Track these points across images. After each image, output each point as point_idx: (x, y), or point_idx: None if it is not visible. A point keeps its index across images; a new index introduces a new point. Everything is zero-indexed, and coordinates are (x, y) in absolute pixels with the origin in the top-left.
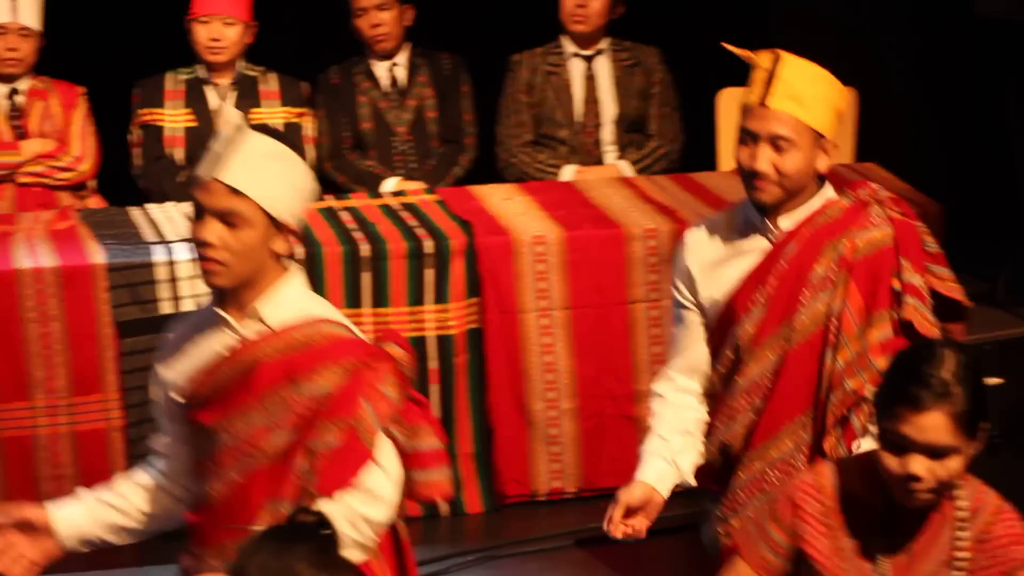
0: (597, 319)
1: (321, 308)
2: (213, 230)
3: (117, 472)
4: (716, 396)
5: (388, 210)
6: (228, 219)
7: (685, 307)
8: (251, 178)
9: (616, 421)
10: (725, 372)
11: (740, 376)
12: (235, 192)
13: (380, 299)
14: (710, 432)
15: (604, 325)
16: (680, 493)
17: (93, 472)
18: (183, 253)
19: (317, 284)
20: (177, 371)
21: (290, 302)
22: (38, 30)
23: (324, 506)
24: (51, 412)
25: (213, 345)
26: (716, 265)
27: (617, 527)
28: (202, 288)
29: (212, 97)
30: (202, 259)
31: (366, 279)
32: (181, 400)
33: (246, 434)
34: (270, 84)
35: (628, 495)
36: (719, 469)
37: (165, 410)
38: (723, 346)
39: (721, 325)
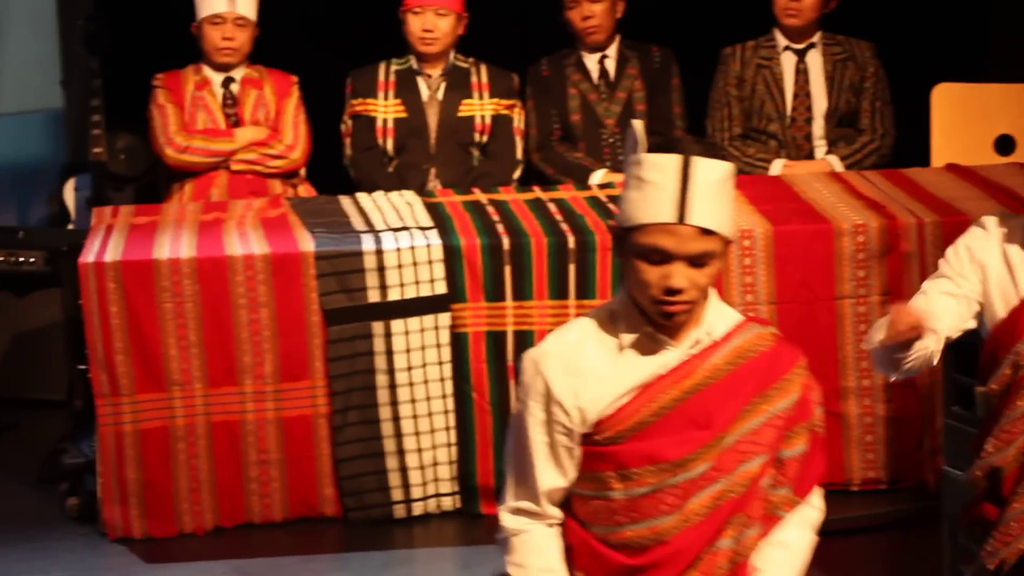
0: (803, 315)
1: (732, 309)
2: (684, 275)
3: (322, 458)
4: (988, 415)
5: (595, 202)
6: (698, 260)
7: (955, 283)
8: (715, 212)
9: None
10: (1000, 390)
11: (1021, 399)
12: (705, 232)
13: (585, 291)
14: (977, 455)
15: (810, 321)
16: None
17: (298, 458)
18: (391, 242)
19: (524, 275)
20: (589, 399)
21: (719, 308)
22: (253, 20)
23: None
24: (258, 397)
25: (640, 367)
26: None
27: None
28: (409, 277)
29: (423, 88)
30: (667, 304)
31: (572, 271)
32: (596, 432)
33: (716, 460)
34: (481, 75)
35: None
36: (982, 496)
37: (564, 447)
38: (1000, 361)
39: (999, 336)
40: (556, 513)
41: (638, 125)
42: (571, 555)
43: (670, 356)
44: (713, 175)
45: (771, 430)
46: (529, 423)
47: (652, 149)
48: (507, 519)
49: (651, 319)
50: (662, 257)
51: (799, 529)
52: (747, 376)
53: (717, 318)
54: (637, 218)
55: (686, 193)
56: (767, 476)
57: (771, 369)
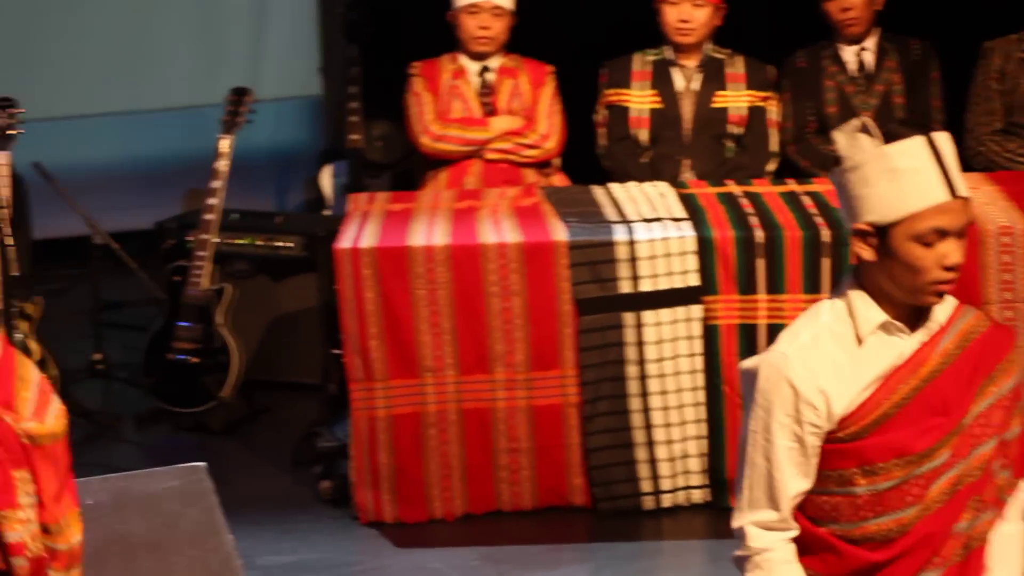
0: None
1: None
2: (959, 249)
3: (571, 447)
4: None
5: None
6: (963, 232)
7: None
8: (963, 181)
9: None
10: None
11: None
12: (965, 201)
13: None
14: None
15: None
16: None
17: (548, 447)
18: (644, 233)
19: (777, 268)
20: (836, 396)
21: None
22: (510, 9)
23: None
24: (510, 386)
25: (878, 360)
26: None
27: None
28: (661, 269)
29: (678, 79)
30: (946, 283)
31: (826, 265)
32: (840, 429)
33: (955, 447)
34: (736, 67)
35: None
36: None
37: (813, 447)
38: None
39: None
40: (795, 524)
41: (869, 121)
42: (804, 554)
43: (904, 345)
44: (949, 146)
45: (999, 411)
46: (774, 429)
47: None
48: (754, 535)
49: (909, 305)
50: (938, 237)
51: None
52: (974, 358)
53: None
54: (905, 208)
55: (945, 169)
56: (997, 459)
57: (993, 350)
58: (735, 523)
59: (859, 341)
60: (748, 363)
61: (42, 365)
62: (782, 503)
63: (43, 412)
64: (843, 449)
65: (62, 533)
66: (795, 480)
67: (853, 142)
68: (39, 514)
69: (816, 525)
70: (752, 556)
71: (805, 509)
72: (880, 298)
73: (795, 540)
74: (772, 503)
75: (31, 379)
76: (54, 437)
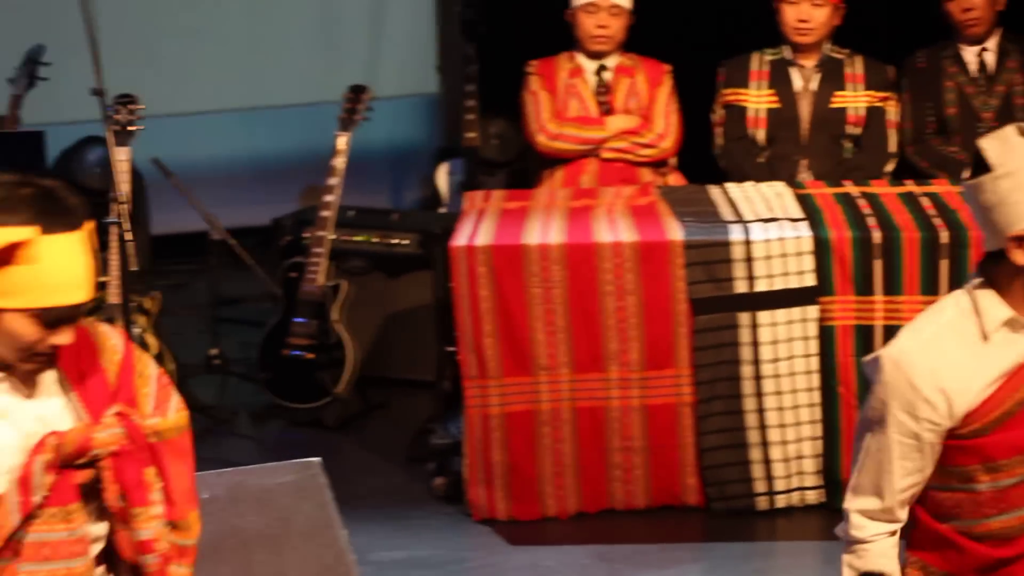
0: None
1: None
2: None
3: (685, 447)
4: None
5: None
6: None
7: None
8: None
9: None
10: None
11: None
12: None
13: (958, 287)
14: None
15: None
16: None
17: (662, 446)
18: (760, 233)
19: (894, 269)
20: (957, 393)
21: None
22: (628, 8)
23: None
24: (624, 384)
25: (1002, 357)
26: None
27: None
28: (777, 269)
29: (796, 79)
30: None
31: (944, 266)
32: (962, 426)
33: None
34: (855, 67)
35: None
36: None
37: (929, 444)
38: None
39: None
40: (904, 516)
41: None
42: (926, 549)
43: None
44: None
45: None
46: (889, 424)
47: None
48: (857, 523)
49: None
50: None
51: None
52: None
53: None
54: None
55: None
56: None
57: None
58: (844, 504)
59: (984, 338)
60: (871, 355)
61: (159, 360)
62: (887, 494)
63: (164, 406)
64: (965, 446)
65: (190, 529)
66: (904, 474)
67: (1006, 148)
68: (167, 511)
69: (938, 521)
70: (851, 544)
71: (927, 505)
72: (1013, 298)
73: (917, 536)
74: (877, 492)
75: (150, 375)
76: (179, 430)
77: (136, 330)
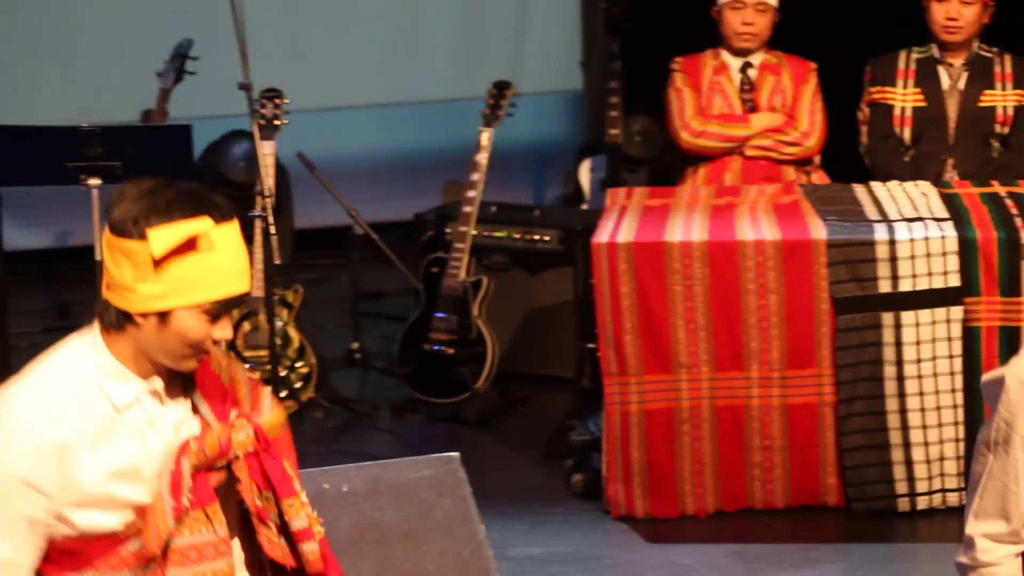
0: None
1: None
2: None
3: (826, 447)
4: None
5: None
6: None
7: None
8: None
9: None
10: None
11: None
12: None
13: None
14: None
15: None
16: None
17: (802, 446)
18: (904, 232)
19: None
20: None
21: None
22: (774, 5)
23: None
24: (764, 383)
25: None
26: None
27: None
28: (922, 269)
29: (944, 77)
30: None
31: None
32: None
33: None
34: (1005, 66)
35: None
36: None
37: None
38: None
39: None
40: None
41: None
42: None
43: None
44: None
45: None
46: (1014, 444)
47: None
48: (983, 547)
49: None
50: None
51: None
52: None
53: None
54: None
55: None
56: None
57: None
58: (967, 530)
59: None
60: (991, 375)
61: (301, 353)
62: (1014, 516)
63: (259, 406)
64: None
65: (297, 513)
66: None
67: None
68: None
69: None
70: (978, 567)
71: None
72: None
73: None
74: (1003, 515)
75: (240, 377)
76: (281, 426)
77: (279, 323)
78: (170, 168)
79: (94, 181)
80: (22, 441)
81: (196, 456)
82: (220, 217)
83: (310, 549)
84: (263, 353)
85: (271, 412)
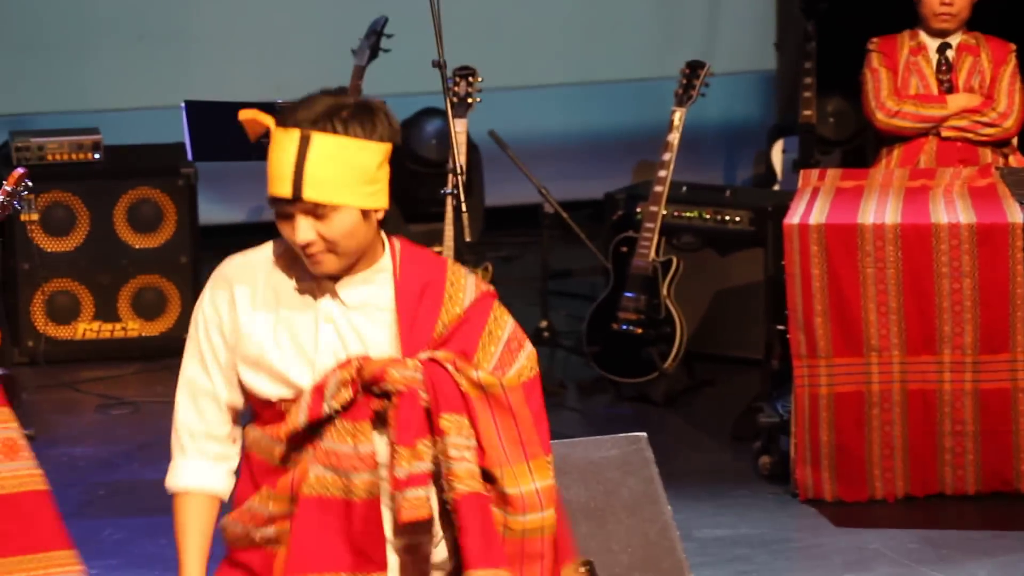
0: None
1: None
2: None
3: (1019, 433)
4: None
5: None
6: None
7: None
8: None
9: None
10: None
11: None
12: None
13: None
14: None
15: None
16: None
17: (994, 431)
18: None
19: None
20: None
21: None
22: None
23: None
24: (956, 368)
25: None
26: None
27: None
28: None
29: None
30: None
31: None
32: None
33: None
34: None
35: None
36: None
37: None
38: None
39: None
40: None
41: None
42: None
43: None
44: None
45: None
46: None
47: None
48: None
49: None
50: None
51: None
52: None
53: None
54: None
55: None
56: None
57: None
58: None
59: None
60: None
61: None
62: None
63: (506, 368)
64: None
65: (509, 479)
66: None
67: None
68: (479, 458)
69: None
70: None
71: None
72: None
73: None
74: None
75: (500, 336)
76: (505, 389)
77: None
78: None
79: None
80: (213, 284)
81: (349, 373)
82: (283, 121)
83: (413, 495)
84: None
85: (510, 375)
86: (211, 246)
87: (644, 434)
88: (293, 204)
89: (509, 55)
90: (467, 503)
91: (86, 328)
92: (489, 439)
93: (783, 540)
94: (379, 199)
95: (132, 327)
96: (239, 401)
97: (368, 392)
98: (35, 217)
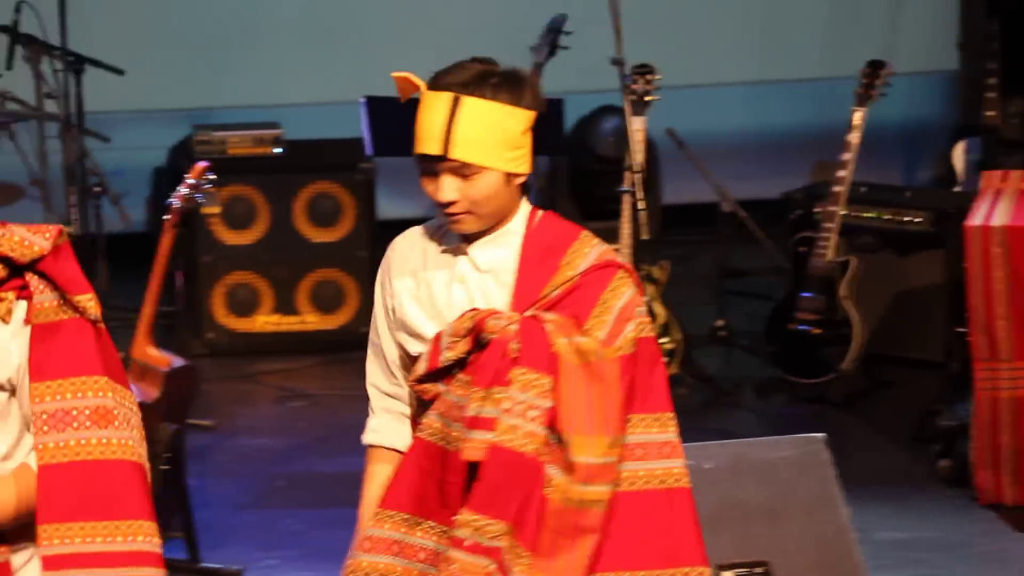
0: None
1: None
2: None
3: None
4: None
5: None
6: None
7: None
8: None
9: None
10: None
11: None
12: None
13: None
14: None
15: None
16: None
17: None
18: None
19: None
20: None
21: None
22: None
23: None
24: None
25: None
26: None
27: None
28: None
29: None
30: None
31: None
32: None
33: None
34: None
35: None
36: None
37: None
38: None
39: None
40: None
41: None
42: None
43: None
44: None
45: None
46: None
47: None
48: None
49: None
50: None
51: None
52: None
53: None
54: None
55: None
56: None
57: None
58: None
59: None
60: None
61: (666, 329)
62: None
63: (614, 338)
64: None
65: (582, 447)
66: None
67: None
68: (554, 421)
69: None
70: None
71: None
72: None
73: None
74: None
75: (615, 306)
76: (602, 357)
77: (644, 298)
78: (541, 141)
79: None
80: (386, 256)
81: (466, 322)
82: (435, 84)
83: (480, 437)
84: None
85: (611, 345)
86: (389, 241)
87: (823, 435)
88: (440, 162)
89: (687, 53)
90: (497, 456)
91: (265, 321)
92: (569, 404)
93: (962, 544)
94: (522, 164)
95: (311, 320)
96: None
97: (492, 346)
98: (216, 210)
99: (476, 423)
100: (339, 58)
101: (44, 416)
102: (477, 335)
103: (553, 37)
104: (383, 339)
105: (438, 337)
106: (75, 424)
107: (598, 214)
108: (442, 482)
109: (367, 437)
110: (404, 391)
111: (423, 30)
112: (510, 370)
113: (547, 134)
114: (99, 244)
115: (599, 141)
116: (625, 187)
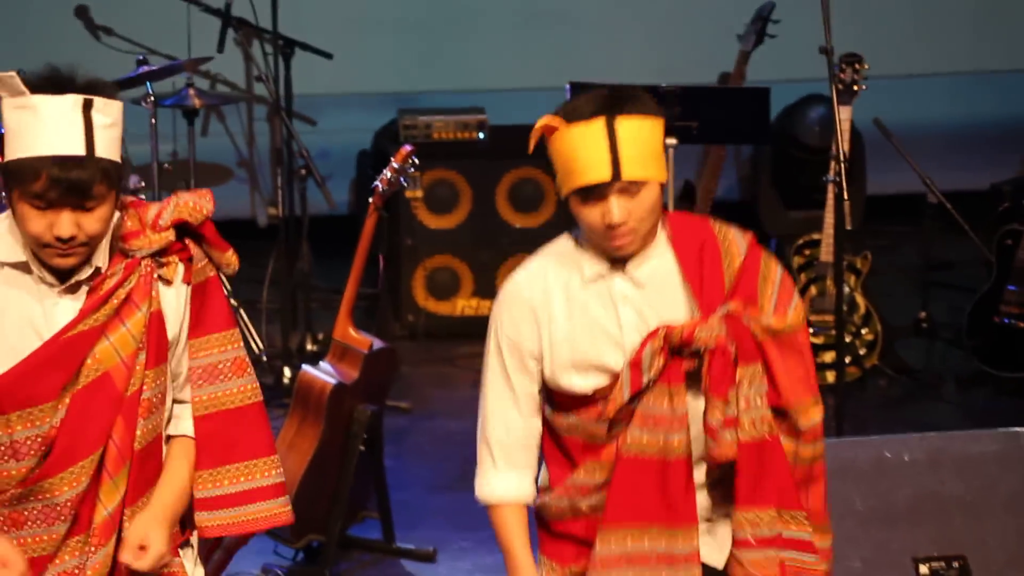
0: None
1: None
2: None
3: None
4: None
5: None
6: None
7: None
8: None
9: None
10: None
11: None
12: None
13: None
14: None
15: None
16: None
17: None
18: None
19: None
20: None
21: None
22: None
23: None
24: None
25: None
26: None
27: None
28: None
29: None
30: None
31: None
32: None
33: None
34: None
35: None
36: None
37: None
38: None
39: None
40: None
41: None
42: None
43: None
44: None
45: None
46: None
47: None
48: None
49: None
50: None
51: None
52: None
53: None
54: None
55: None
56: None
57: None
58: None
59: None
60: None
61: (867, 319)
62: None
63: (784, 308)
64: None
65: (805, 413)
66: None
67: None
68: (774, 398)
69: None
70: None
71: None
72: None
73: None
74: None
75: (774, 278)
76: (792, 329)
77: (845, 289)
78: (746, 129)
79: (670, 140)
80: (509, 305)
81: (660, 341)
82: (572, 118)
83: (730, 435)
84: (828, 318)
85: (791, 316)
86: None
87: None
88: (610, 186)
89: (895, 43)
90: (746, 450)
91: (465, 304)
92: (782, 380)
93: None
94: (665, 172)
95: None
96: (539, 413)
97: (677, 355)
98: (419, 194)
99: (725, 425)
100: (545, 44)
101: (199, 371)
102: (682, 347)
103: (760, 25)
104: (519, 394)
105: (637, 362)
106: (221, 377)
107: (801, 203)
108: (664, 488)
109: (493, 492)
110: (534, 441)
111: (629, 16)
112: (736, 371)
113: (752, 122)
114: (303, 225)
115: (805, 130)
116: (830, 176)
